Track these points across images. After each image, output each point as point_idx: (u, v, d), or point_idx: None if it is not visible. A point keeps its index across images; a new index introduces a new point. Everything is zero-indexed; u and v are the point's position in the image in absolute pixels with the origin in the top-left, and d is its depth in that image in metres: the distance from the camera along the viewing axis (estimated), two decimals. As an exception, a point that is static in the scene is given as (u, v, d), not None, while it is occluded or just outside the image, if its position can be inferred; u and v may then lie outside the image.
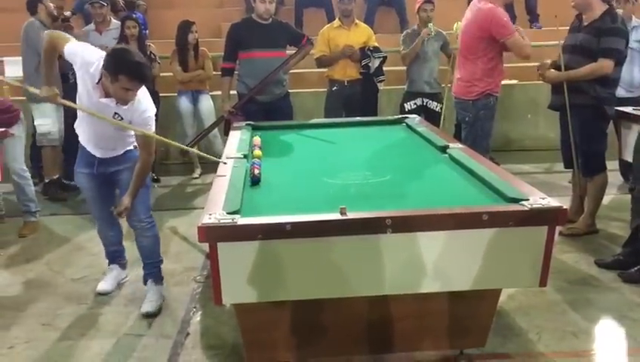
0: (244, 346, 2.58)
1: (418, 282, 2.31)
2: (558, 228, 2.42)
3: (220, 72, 5.15)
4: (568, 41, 4.24)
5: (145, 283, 3.48)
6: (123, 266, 3.75)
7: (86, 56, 3.01)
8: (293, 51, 5.11)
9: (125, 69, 2.82)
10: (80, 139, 3.33)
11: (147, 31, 6.53)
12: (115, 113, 3.03)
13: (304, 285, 2.28)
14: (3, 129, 4.13)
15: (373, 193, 2.72)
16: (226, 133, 4.89)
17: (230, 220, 2.19)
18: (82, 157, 3.34)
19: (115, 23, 6.00)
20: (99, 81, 2.96)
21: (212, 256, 2.19)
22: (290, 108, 5.16)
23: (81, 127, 3.28)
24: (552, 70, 4.26)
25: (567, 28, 4.35)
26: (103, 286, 3.60)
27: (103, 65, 2.88)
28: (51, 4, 5.31)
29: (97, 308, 3.42)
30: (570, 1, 4.16)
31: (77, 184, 3.59)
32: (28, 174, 4.66)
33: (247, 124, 4.21)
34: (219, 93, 5.40)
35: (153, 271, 3.46)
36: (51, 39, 3.14)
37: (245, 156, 3.20)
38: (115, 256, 3.70)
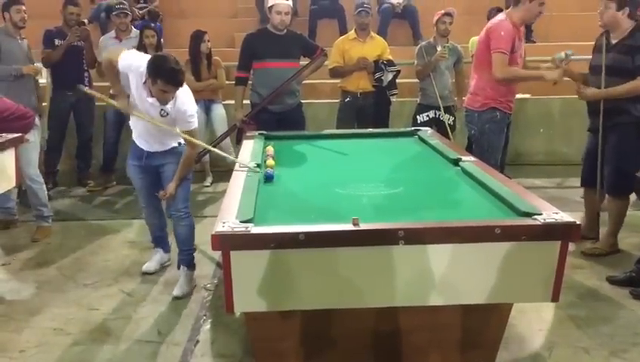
0: (254, 355, 2.58)
1: (429, 294, 2.31)
2: (571, 244, 2.41)
3: (233, 82, 5.19)
4: (595, 61, 4.15)
5: (178, 267, 3.77)
6: (166, 251, 4.08)
7: (135, 62, 3.45)
8: (307, 62, 5.14)
9: (162, 74, 3.25)
10: (133, 135, 3.76)
11: (162, 40, 6.59)
12: (162, 109, 3.46)
13: (315, 295, 2.28)
14: (20, 135, 4.17)
15: (385, 205, 2.73)
16: (238, 142, 4.92)
17: (244, 229, 2.20)
18: (133, 150, 3.79)
19: (134, 31, 6.08)
20: (145, 82, 3.39)
21: (225, 264, 2.20)
22: (303, 118, 5.18)
23: (133, 124, 3.73)
24: (591, 88, 4.13)
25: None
26: (148, 266, 3.98)
27: (146, 69, 3.30)
28: (18, 15, 5.18)
29: (108, 313, 3.44)
30: (597, 20, 4.09)
31: (128, 175, 4.00)
32: (41, 179, 4.70)
33: (260, 134, 4.24)
34: (231, 102, 5.43)
35: (186, 258, 3.75)
36: (108, 58, 3.62)
37: (258, 165, 3.23)
38: (159, 241, 4.06)
